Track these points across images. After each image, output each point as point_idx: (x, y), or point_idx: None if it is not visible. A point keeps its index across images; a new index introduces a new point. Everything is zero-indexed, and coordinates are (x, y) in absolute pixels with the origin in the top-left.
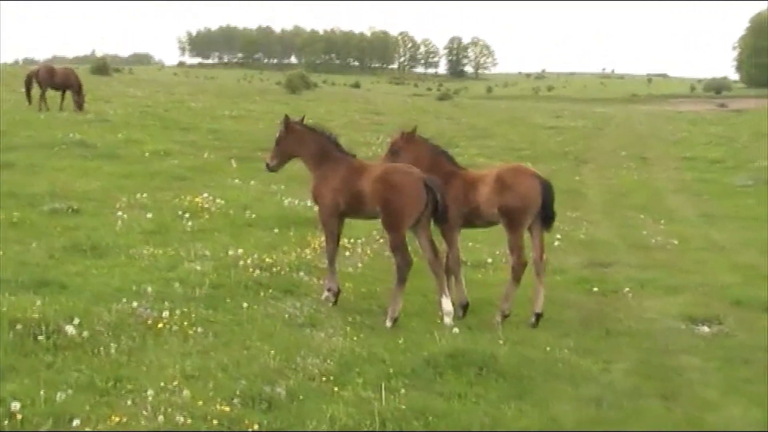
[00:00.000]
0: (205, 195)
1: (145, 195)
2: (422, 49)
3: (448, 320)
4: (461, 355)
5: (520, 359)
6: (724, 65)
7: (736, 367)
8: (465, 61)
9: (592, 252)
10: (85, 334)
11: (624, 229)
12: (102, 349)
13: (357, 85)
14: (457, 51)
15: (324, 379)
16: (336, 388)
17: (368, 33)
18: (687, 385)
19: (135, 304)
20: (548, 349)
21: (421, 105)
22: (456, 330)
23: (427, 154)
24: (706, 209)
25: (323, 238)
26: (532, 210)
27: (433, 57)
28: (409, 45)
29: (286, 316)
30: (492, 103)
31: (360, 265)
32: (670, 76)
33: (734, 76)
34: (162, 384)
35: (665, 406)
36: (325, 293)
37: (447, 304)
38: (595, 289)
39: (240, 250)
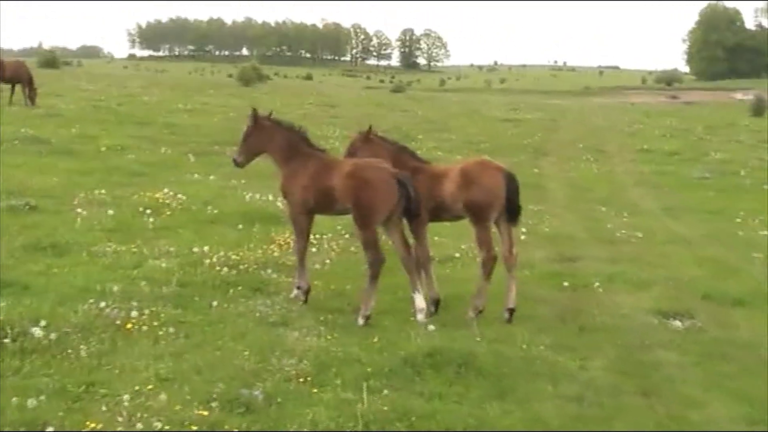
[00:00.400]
0: (166, 191)
1: (103, 191)
2: (375, 41)
3: (421, 317)
4: (439, 353)
5: (498, 357)
6: (674, 57)
7: (713, 363)
8: (418, 53)
9: (559, 246)
10: (53, 336)
11: (588, 222)
12: (71, 351)
13: (309, 78)
14: (409, 43)
15: (301, 380)
16: (314, 390)
17: (320, 25)
18: (667, 382)
19: (102, 304)
20: (525, 346)
21: (376, 97)
22: (432, 327)
23: (387, 153)
24: (667, 202)
25: (292, 235)
26: (497, 204)
27: (385, 49)
28: (362, 37)
29: (258, 315)
30: (447, 96)
31: (327, 261)
32: (622, 68)
33: (684, 68)
34: (136, 388)
35: (647, 404)
36: (295, 291)
37: (420, 301)
38: (566, 283)
39: (206, 248)
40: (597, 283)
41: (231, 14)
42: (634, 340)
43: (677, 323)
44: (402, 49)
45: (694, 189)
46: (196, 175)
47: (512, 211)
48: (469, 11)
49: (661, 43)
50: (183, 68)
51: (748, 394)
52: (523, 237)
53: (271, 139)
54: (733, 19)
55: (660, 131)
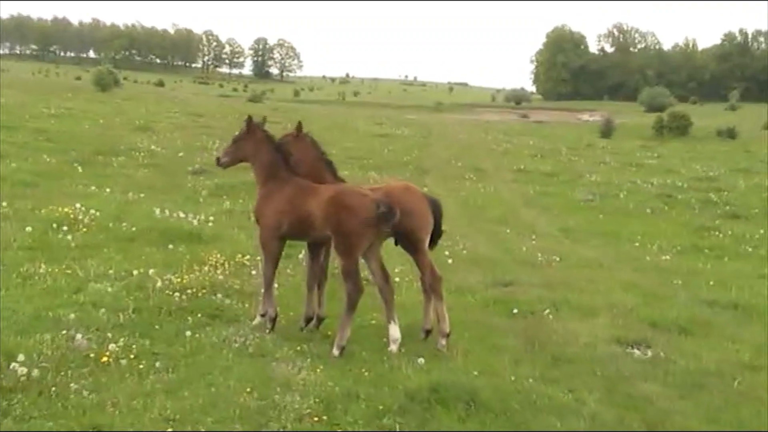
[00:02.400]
0: (78, 206)
1: (4, 204)
2: (227, 48)
3: (394, 347)
4: (444, 389)
5: (498, 392)
6: (521, 77)
7: (698, 395)
8: (271, 62)
9: (486, 270)
10: (35, 373)
11: (500, 244)
12: (55, 389)
13: (161, 84)
14: (262, 52)
15: (316, 419)
16: (330, 430)
17: (171, 30)
18: (665, 416)
19: (64, 333)
20: (513, 378)
21: (241, 108)
22: (421, 361)
23: (310, 158)
24: (561, 224)
25: (260, 259)
26: (427, 229)
27: (238, 57)
28: (214, 44)
29: (235, 345)
30: (310, 108)
31: (276, 286)
32: (471, 85)
33: (531, 87)
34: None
35: None
36: (258, 319)
37: (395, 331)
38: (515, 311)
39: (151, 270)
40: (547, 311)
41: (77, 14)
42: (611, 372)
43: (637, 352)
44: (255, 58)
45: (582, 211)
46: (93, 188)
47: (435, 236)
48: (322, 22)
49: (508, 62)
50: (25, 68)
51: (748, 425)
52: (450, 261)
53: (258, 151)
54: (578, 42)
55: (528, 151)
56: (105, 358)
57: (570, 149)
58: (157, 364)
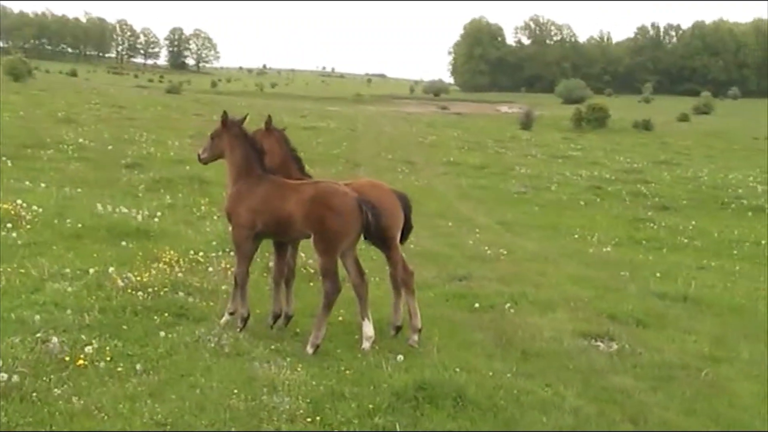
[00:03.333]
0: (20, 202)
1: None
2: (142, 38)
3: (367, 345)
4: (430, 386)
5: (481, 388)
6: (439, 68)
7: (670, 387)
8: (187, 53)
9: (439, 265)
10: (15, 378)
11: (446, 238)
12: (37, 395)
13: (74, 74)
14: (178, 42)
15: (309, 420)
16: (324, 430)
17: (84, 19)
18: (645, 408)
19: (52, 337)
20: (491, 374)
21: (162, 100)
22: (401, 358)
23: (280, 153)
24: (498, 216)
25: (235, 259)
26: (399, 225)
27: (153, 47)
28: (128, 34)
29: (211, 345)
30: (228, 99)
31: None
32: (389, 76)
33: (449, 79)
34: None
35: None
36: (226, 317)
37: (369, 329)
38: (477, 305)
39: (111, 268)
40: (508, 305)
41: None
42: (582, 366)
43: (603, 345)
44: (170, 49)
45: (517, 203)
46: (27, 183)
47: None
48: (239, 13)
49: (425, 53)
50: None
51: (724, 416)
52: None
53: (232, 148)
54: (496, 34)
55: (455, 143)
56: (81, 361)
57: (496, 141)
58: (138, 366)
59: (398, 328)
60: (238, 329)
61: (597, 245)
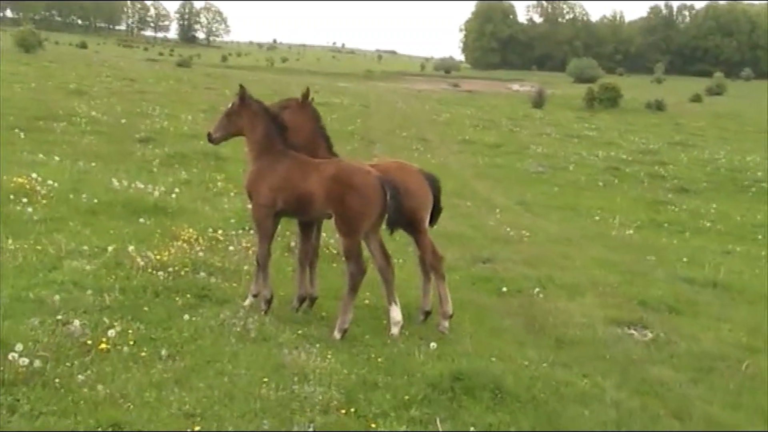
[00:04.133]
0: (34, 176)
1: None
2: (152, 11)
3: (395, 330)
4: (466, 377)
5: (519, 378)
6: (449, 46)
7: (708, 378)
8: (197, 27)
9: (461, 246)
10: (37, 363)
11: (466, 219)
12: (59, 381)
13: (84, 46)
14: (188, 16)
15: (343, 411)
16: (359, 421)
17: None
18: (688, 402)
19: (74, 320)
20: (526, 363)
21: (173, 73)
22: (434, 345)
23: (309, 130)
24: (518, 197)
25: (255, 238)
26: (427, 208)
27: (163, 21)
28: (138, 6)
29: (237, 330)
30: (239, 74)
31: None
32: (399, 53)
33: (460, 57)
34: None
35: (689, 429)
36: (250, 298)
37: (396, 314)
38: (504, 289)
39: (131, 247)
40: (537, 289)
41: None
42: (618, 355)
43: (636, 334)
44: (181, 22)
45: (535, 183)
46: (40, 155)
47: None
48: None
49: (437, 31)
50: None
51: None
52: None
53: (253, 124)
54: (507, 12)
55: (469, 121)
56: (104, 345)
57: (509, 120)
58: (163, 351)
59: (427, 314)
60: (263, 312)
61: (619, 228)
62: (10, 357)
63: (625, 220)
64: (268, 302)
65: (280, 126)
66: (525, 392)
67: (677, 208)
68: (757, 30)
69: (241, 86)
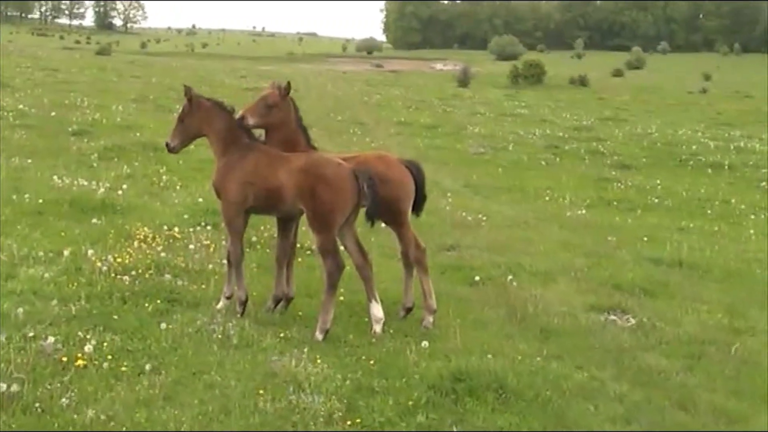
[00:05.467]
0: None
1: None
2: None
3: (378, 328)
4: (467, 377)
5: (520, 376)
6: (370, 26)
7: (703, 364)
8: (113, 13)
9: (422, 233)
10: (15, 387)
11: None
12: (39, 405)
13: None
14: (104, 3)
15: (348, 423)
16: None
17: None
18: (689, 391)
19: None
20: (520, 357)
21: (97, 62)
22: (425, 344)
23: (292, 123)
24: (463, 179)
25: (227, 237)
26: (409, 198)
27: (78, 8)
28: None
29: (218, 336)
30: (162, 61)
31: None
32: (320, 35)
33: (381, 37)
34: None
35: (699, 422)
36: (223, 301)
37: (378, 311)
38: (477, 278)
39: (90, 250)
40: (510, 277)
41: None
42: (607, 344)
43: (618, 319)
44: (96, 9)
45: (477, 165)
46: None
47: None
48: None
49: (357, 11)
50: None
51: None
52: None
53: (210, 122)
54: None
55: (401, 102)
56: (80, 362)
57: (440, 100)
58: (147, 366)
59: (408, 310)
60: (239, 314)
61: (570, 207)
62: None
63: (575, 199)
64: (243, 304)
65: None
66: (528, 390)
67: (622, 185)
68: (671, 4)
69: (186, 86)
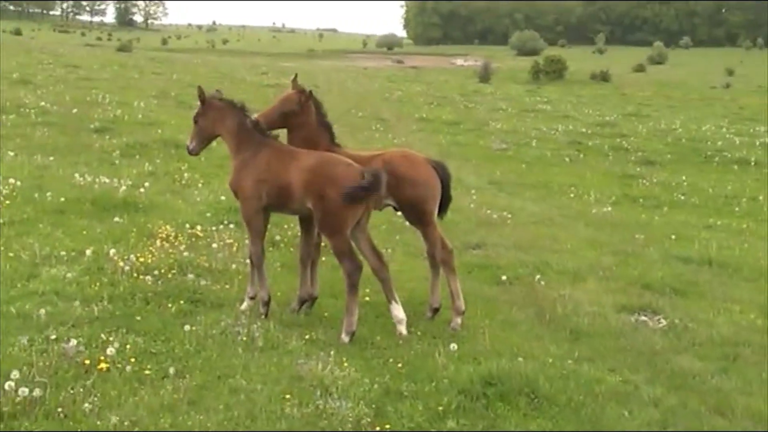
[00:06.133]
0: None
1: None
2: None
3: (402, 329)
4: (498, 381)
5: (552, 380)
6: (391, 22)
7: (738, 367)
8: (134, 10)
9: (447, 231)
10: (37, 392)
11: None
12: (61, 411)
13: (19, 32)
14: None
15: (377, 429)
16: None
17: None
18: (726, 396)
19: (64, 335)
20: (551, 360)
21: (117, 59)
22: (454, 346)
23: (313, 122)
24: (488, 176)
25: (247, 237)
26: (435, 198)
27: (99, 5)
28: None
29: (242, 339)
30: (184, 57)
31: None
32: (340, 31)
33: (401, 33)
34: None
35: (738, 427)
36: (247, 302)
37: (399, 312)
38: (504, 277)
39: (112, 250)
40: (538, 276)
41: None
42: (639, 346)
43: (648, 320)
44: (117, 6)
45: (501, 161)
46: None
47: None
48: None
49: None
50: None
51: None
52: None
53: (223, 121)
54: None
55: (422, 99)
56: (103, 365)
57: (461, 96)
58: (171, 370)
59: (435, 311)
60: (262, 315)
61: (596, 205)
62: (6, 386)
63: (600, 196)
64: (266, 305)
65: (250, 117)
66: (561, 395)
67: (647, 181)
68: None
69: (200, 87)
